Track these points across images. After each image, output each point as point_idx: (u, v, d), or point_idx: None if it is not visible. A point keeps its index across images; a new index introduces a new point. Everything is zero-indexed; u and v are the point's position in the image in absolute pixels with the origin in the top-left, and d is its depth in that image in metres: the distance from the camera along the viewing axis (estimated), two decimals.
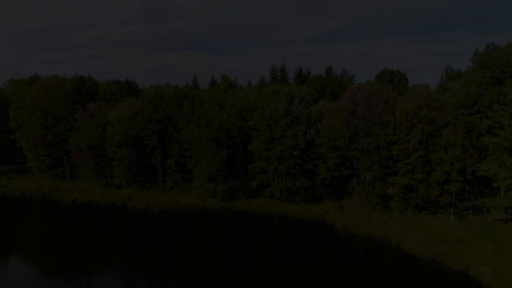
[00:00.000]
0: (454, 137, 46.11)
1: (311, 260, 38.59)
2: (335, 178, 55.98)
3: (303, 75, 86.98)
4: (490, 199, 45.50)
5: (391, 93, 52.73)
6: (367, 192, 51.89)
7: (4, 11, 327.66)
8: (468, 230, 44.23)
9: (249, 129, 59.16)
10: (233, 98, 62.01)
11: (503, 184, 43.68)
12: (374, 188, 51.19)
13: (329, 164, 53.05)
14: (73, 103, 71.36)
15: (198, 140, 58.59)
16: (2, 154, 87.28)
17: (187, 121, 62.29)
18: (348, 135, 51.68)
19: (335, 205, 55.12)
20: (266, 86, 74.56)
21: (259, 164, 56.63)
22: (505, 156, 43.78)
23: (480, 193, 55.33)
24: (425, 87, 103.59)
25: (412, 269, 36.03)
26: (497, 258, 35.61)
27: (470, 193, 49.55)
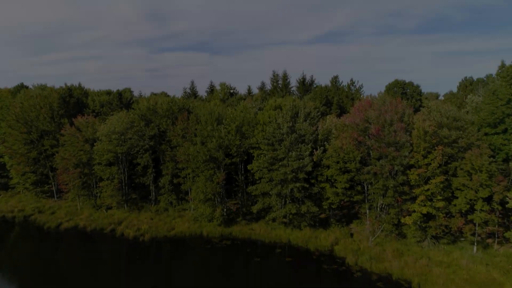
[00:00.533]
0: (479, 161, 41.17)
1: None
2: (344, 202, 50.95)
3: (307, 84, 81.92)
4: None
5: (406, 110, 47.71)
6: (380, 220, 46.93)
7: (4, 11, 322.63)
8: (495, 266, 39.49)
9: (249, 147, 54.07)
10: (232, 113, 56.76)
11: None
12: (388, 215, 46.18)
13: (338, 188, 47.94)
14: (60, 117, 66.26)
15: (193, 159, 53.50)
16: None
17: (182, 137, 57.18)
18: (360, 157, 46.61)
19: (344, 232, 50.22)
20: (267, 98, 69.43)
21: (261, 187, 51.55)
22: None
23: (501, 216, 50.43)
24: (435, 95, 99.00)
25: None
26: None
27: (495, 221, 44.58)
